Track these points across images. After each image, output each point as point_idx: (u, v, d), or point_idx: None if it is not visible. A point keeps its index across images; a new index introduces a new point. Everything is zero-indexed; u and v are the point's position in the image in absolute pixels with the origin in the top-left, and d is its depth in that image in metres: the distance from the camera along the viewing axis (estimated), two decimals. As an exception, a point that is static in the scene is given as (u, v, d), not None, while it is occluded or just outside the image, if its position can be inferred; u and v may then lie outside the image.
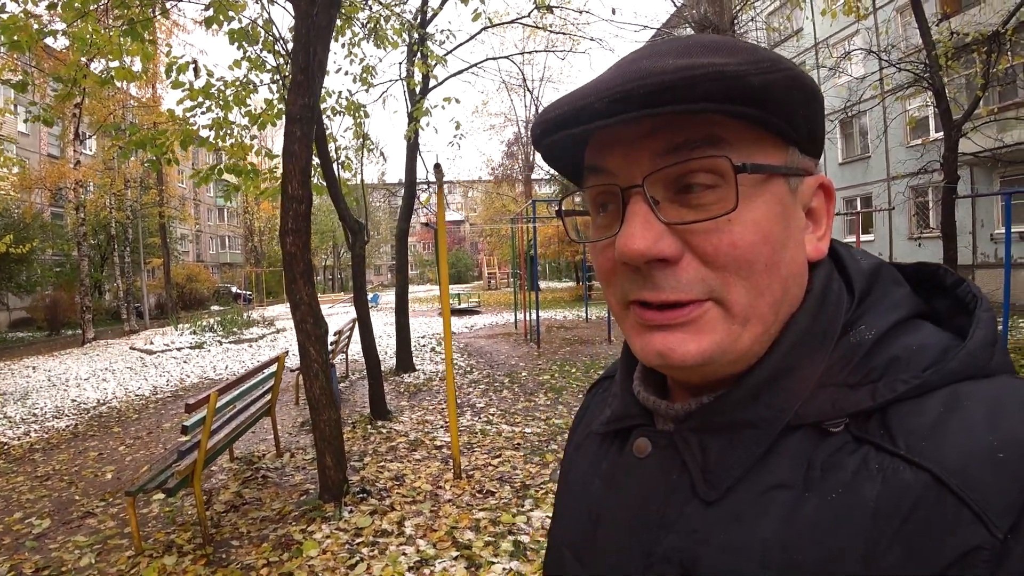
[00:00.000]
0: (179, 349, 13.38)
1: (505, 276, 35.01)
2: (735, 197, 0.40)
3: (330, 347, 7.71)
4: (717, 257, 0.41)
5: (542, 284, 34.15)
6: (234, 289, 34.51)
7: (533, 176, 34.82)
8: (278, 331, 16.83)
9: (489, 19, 6.75)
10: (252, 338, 15.09)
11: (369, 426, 6.17)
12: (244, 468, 5.10)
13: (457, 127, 7.59)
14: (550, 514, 3.82)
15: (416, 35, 7.15)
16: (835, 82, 19.52)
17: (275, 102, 5.80)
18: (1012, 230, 14.46)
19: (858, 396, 0.41)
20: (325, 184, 5.81)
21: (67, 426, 7.31)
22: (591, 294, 20.32)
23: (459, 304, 21.64)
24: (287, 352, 6.00)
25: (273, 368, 5.34)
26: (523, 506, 3.99)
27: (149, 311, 21.56)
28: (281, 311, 24.67)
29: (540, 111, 0.48)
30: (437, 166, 3.96)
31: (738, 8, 10.56)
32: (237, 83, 5.52)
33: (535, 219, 12.26)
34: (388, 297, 31.89)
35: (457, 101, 6.31)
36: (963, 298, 0.47)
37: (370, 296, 27.42)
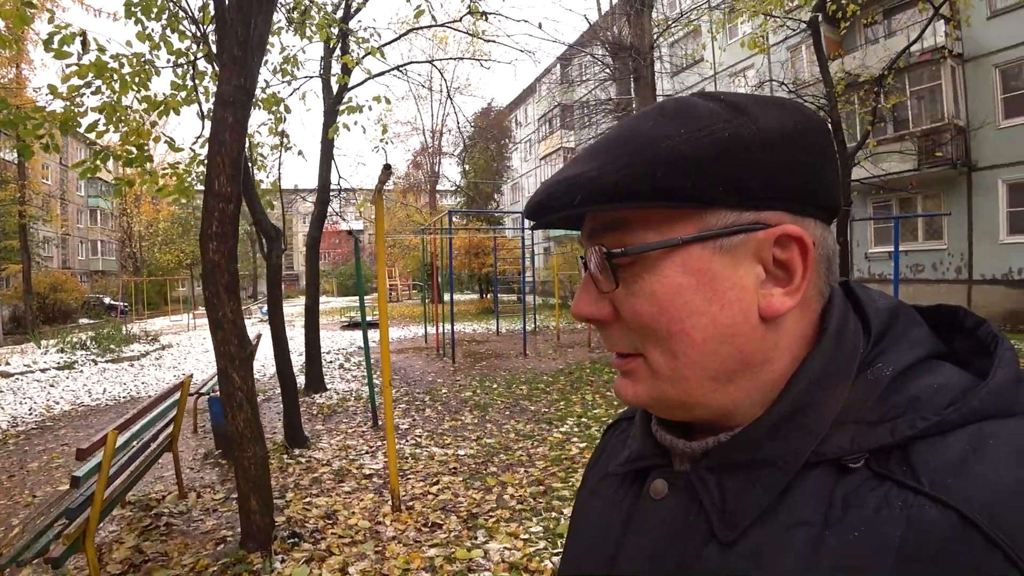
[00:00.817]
0: (43, 370, 11.70)
1: (407, 288, 34.23)
2: (613, 280, 0.46)
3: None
4: (631, 323, 0.46)
5: (446, 296, 33.58)
6: (107, 300, 31.05)
7: (438, 187, 34.45)
8: (163, 347, 15.24)
9: (434, 17, 6.43)
10: (133, 356, 13.54)
11: (285, 455, 5.59)
12: (140, 515, 4.35)
13: (384, 131, 7.17)
14: (507, 545, 3.57)
15: (337, 29, 6.69)
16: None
17: (183, 85, 5.10)
18: (887, 249, 16.17)
19: (878, 432, 0.41)
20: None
21: (-100, 469, 6.03)
22: (500, 307, 20.18)
23: (354, 318, 20.73)
24: (191, 376, 5.29)
25: (176, 396, 4.67)
26: (476, 538, 3.70)
27: (3, 325, 18.85)
28: (164, 325, 22.53)
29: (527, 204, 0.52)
30: (387, 167, 3.59)
31: (657, 35, 10.95)
32: (135, 61, 4.79)
33: (451, 229, 11.95)
34: (288, 309, 30.17)
35: (387, 101, 5.91)
36: (984, 339, 0.46)
37: (263, 308, 25.68)
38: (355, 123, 6.61)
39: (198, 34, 5.07)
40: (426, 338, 14.69)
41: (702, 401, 0.45)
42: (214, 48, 5.03)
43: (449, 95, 8.83)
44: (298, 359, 12.12)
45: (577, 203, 0.45)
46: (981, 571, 0.34)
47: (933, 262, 15.48)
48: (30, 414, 8.47)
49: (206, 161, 3.18)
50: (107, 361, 12.78)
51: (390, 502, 4.25)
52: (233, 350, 3.20)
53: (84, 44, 4.74)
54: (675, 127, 0.43)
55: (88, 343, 13.68)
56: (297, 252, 56.76)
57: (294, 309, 31.52)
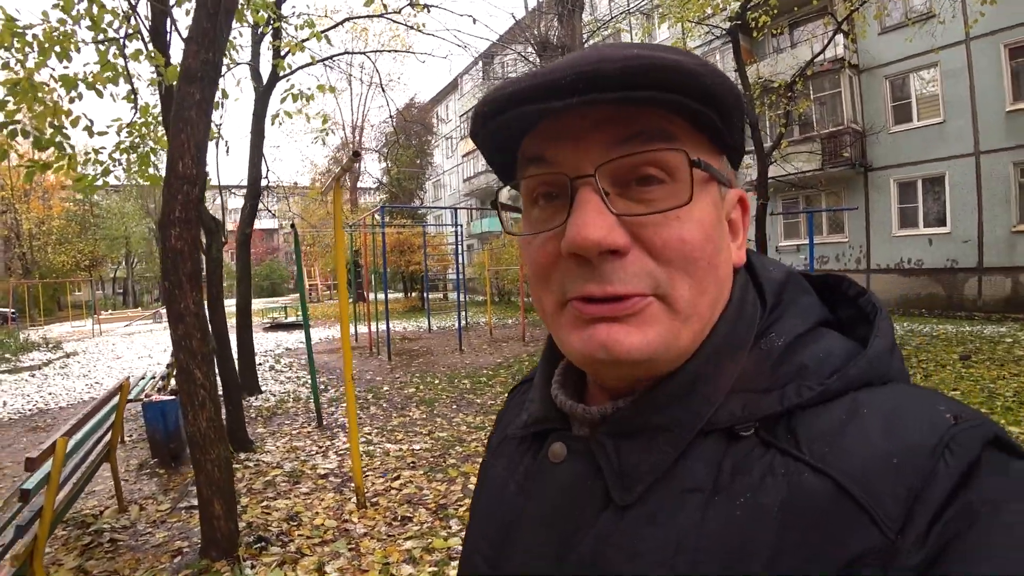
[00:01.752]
0: (-75, 383, 10.50)
1: (327, 287, 33.22)
2: (690, 191, 0.41)
3: (163, 372, 6.58)
4: (665, 251, 0.41)
5: (370, 295, 32.85)
6: (-8, 306, 28.05)
7: (359, 184, 33.62)
8: (68, 355, 14.00)
9: (384, 5, 6.24)
10: (34, 365, 12.38)
11: (232, 460, 5.32)
12: (77, 533, 4.00)
13: (324, 121, 6.92)
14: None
15: (270, 14, 6.41)
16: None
17: (110, 63, 4.69)
18: (795, 243, 17.40)
19: (767, 401, 0.42)
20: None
21: None
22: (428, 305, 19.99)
23: (285, 318, 19.97)
24: (129, 379, 4.93)
25: (115, 401, 4.35)
26: (451, 528, 3.70)
27: None
28: (65, 331, 20.70)
29: (491, 90, 0.44)
30: (356, 153, 3.49)
31: (587, 36, 11.20)
32: (52, 32, 4.36)
33: (383, 224, 11.73)
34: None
35: (332, 89, 5.72)
36: (864, 308, 0.49)
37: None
38: (299, 111, 6.31)
39: (126, 9, 4.71)
40: (356, 337, 14.35)
41: (689, 347, 0.44)
42: (145, 25, 4.71)
43: (382, 87, 8.65)
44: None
45: (665, 89, 0.40)
46: (849, 532, 0.36)
47: (836, 254, 16.84)
48: (-83, 432, 7.59)
49: (167, 141, 2.97)
50: (4, 372, 11.62)
51: (355, 500, 4.17)
52: (195, 344, 3.03)
53: None
54: (703, 61, 0.42)
55: (-22, 353, 12.39)
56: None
57: (209, 311, 29.97)
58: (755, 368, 0.44)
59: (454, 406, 7.22)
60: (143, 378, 7.55)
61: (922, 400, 0.41)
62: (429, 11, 6.45)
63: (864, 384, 0.42)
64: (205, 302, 4.27)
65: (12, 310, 27.78)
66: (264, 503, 4.28)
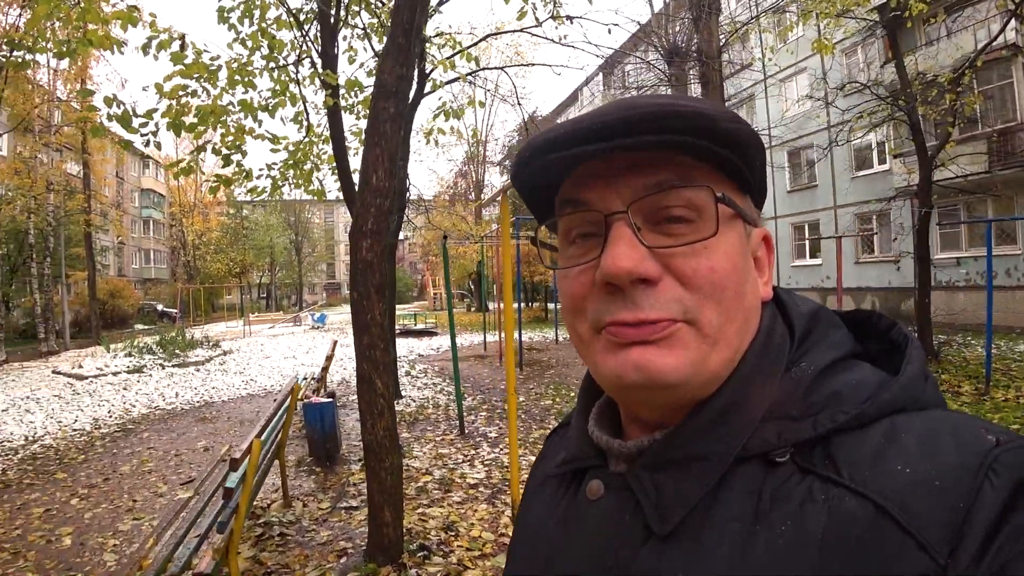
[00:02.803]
0: (115, 374, 12.00)
1: (438, 296, 34.19)
2: (715, 223, 0.44)
3: (318, 375, 6.97)
4: (695, 279, 0.44)
5: (491, 305, 33.69)
6: (160, 307, 31.90)
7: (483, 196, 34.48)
8: (225, 353, 15.50)
9: (537, 17, 6.33)
10: (199, 361, 13.79)
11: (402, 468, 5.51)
12: (249, 524, 4.28)
13: (474, 135, 7.09)
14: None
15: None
16: (783, 111, 20.54)
17: (283, 85, 5.08)
18: (954, 255, 15.53)
19: (801, 427, 0.43)
20: (339, 184, 5.14)
21: (-8, 472, 6.08)
22: (544, 315, 19.99)
23: (415, 325, 20.80)
24: (298, 382, 5.27)
25: (287, 403, 4.64)
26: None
27: (68, 330, 19.48)
28: (219, 331, 22.96)
29: (532, 137, 0.49)
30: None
31: (724, 40, 10.72)
32: (237, 63, 4.78)
33: (517, 236, 11.85)
34: (334, 317, 30.50)
35: (482, 104, 5.83)
36: (896, 340, 0.49)
37: (316, 316, 26.05)
38: (451, 128, 6.50)
39: (299, 36, 5.06)
40: (485, 346, 14.61)
41: (720, 372, 0.45)
42: (316, 49, 5.02)
43: (518, 100, 8.70)
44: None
45: (684, 133, 0.43)
46: (896, 558, 0.35)
47: (1007, 268, 14.79)
48: (110, 416, 8.65)
49: (362, 154, 3.10)
50: (174, 366, 13.05)
51: (509, 513, 4.13)
52: (379, 355, 3.12)
53: (182, 47, 4.76)
54: (722, 108, 0.45)
55: (154, 348, 13.99)
56: (339, 261, 57.69)
57: (340, 317, 32.02)
58: (787, 396, 0.45)
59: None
60: (296, 379, 8.12)
61: (962, 423, 0.41)
62: (572, 22, 6.42)
63: (899, 409, 0.42)
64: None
65: (177, 311, 31.45)
66: (419, 510, 4.35)
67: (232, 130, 5.21)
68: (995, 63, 14.38)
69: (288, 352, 15.47)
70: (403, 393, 8.96)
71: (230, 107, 4.87)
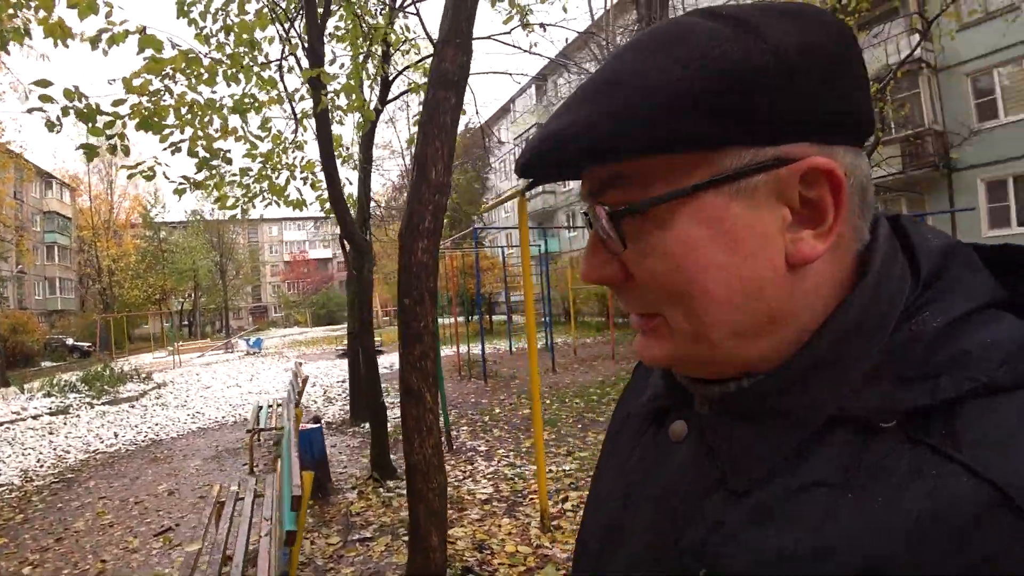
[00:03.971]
0: (35, 417, 10.83)
1: (387, 315, 33.51)
2: (620, 242, 0.42)
3: (292, 399, 6.57)
4: (644, 284, 0.43)
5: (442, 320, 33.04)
6: (69, 341, 29.23)
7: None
8: (159, 386, 14.36)
9: (527, 22, 6.21)
10: (132, 396, 12.70)
11: (382, 489, 5.22)
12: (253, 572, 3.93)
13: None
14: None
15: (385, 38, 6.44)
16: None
17: (275, 81, 4.71)
18: None
19: (915, 392, 0.37)
20: (327, 190, 4.82)
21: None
22: (489, 327, 19.81)
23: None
24: (261, 407, 4.90)
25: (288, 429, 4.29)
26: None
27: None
28: (146, 362, 21.29)
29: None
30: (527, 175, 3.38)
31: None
32: (224, 54, 4.39)
33: (475, 248, 11.69)
34: (269, 341, 29.01)
35: (464, 112, 5.64)
36: None
37: (251, 341, 24.67)
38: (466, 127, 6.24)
39: (283, 30, 4.74)
40: (441, 360, 14.32)
41: (726, 358, 0.42)
42: (303, 43, 4.71)
43: (476, 110, 8.61)
44: (314, 390, 11.67)
45: (568, 161, 0.41)
46: (1010, 552, 0.31)
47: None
48: (41, 466, 7.75)
49: (416, 148, 2.88)
50: (104, 403, 11.95)
51: (535, 523, 3.99)
52: (429, 366, 2.91)
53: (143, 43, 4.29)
54: (669, 58, 0.38)
55: (78, 386, 12.79)
56: (265, 283, 55.03)
57: (274, 341, 30.52)
58: (901, 352, 0.39)
59: (579, 425, 7.00)
60: (260, 408, 7.60)
61: None
62: (546, 30, 6.40)
63: None
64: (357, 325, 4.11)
65: (88, 344, 28.98)
66: (442, 532, 4.13)
67: (212, 131, 4.78)
68: (904, 75, 15.75)
69: (229, 380, 14.55)
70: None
71: (216, 104, 4.46)
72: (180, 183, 4.90)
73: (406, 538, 4.06)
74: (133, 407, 11.60)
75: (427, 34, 5.46)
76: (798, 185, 0.40)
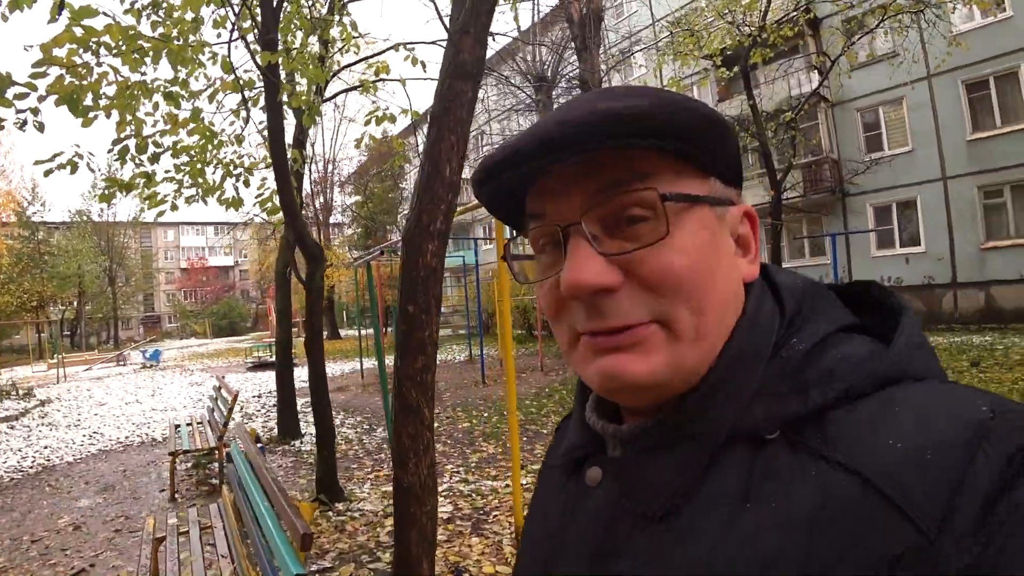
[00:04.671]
0: None
1: (297, 325, 31.99)
2: (666, 225, 0.43)
3: (220, 418, 6.05)
4: (654, 281, 0.43)
5: (343, 332, 31.98)
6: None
7: (332, 220, 32.91)
8: (42, 403, 12.79)
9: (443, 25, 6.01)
10: (10, 415, 11.19)
11: (331, 512, 4.86)
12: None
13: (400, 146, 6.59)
14: None
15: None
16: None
17: (230, 65, 4.24)
18: (816, 264, 17.98)
19: (791, 403, 0.43)
20: (278, 190, 4.45)
21: None
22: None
23: (271, 357, 18.91)
24: (178, 425, 4.45)
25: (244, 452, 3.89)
26: None
27: None
28: (21, 376, 18.92)
29: (481, 159, 0.49)
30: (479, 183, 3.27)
31: (606, 71, 11.36)
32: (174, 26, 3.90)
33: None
34: (168, 352, 26.76)
35: (416, 114, 5.40)
36: (893, 309, 0.49)
37: (148, 352, 22.60)
38: (384, 134, 5.96)
39: (231, 13, 4.33)
40: (362, 373, 13.75)
41: (699, 367, 0.45)
42: (256, 26, 4.33)
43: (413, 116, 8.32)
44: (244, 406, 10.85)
45: (618, 136, 0.43)
46: (883, 532, 0.35)
47: (819, 275, 17.47)
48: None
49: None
50: (-24, 425, 10.47)
51: (510, 540, 3.85)
52: (430, 379, 2.71)
53: (61, 6, 3.73)
54: (677, 96, 0.46)
55: (-59, 406, 11.16)
56: (159, 291, 50.73)
57: (171, 353, 28.16)
58: (777, 375, 0.44)
59: (524, 438, 6.90)
60: (178, 427, 6.92)
61: (958, 393, 0.40)
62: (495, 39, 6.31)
63: (893, 381, 0.42)
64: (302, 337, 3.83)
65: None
66: (408, 557, 3.88)
67: (141, 116, 4.26)
68: (805, 107, 17.13)
69: (127, 396, 13.22)
70: (302, 431, 8.04)
71: (148, 87, 3.97)
72: (106, 187, 4.37)
73: (371, 565, 3.81)
74: (13, 427, 10.24)
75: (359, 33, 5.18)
76: (740, 223, 0.50)
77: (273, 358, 17.93)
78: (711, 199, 0.46)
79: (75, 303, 35.56)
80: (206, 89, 4.31)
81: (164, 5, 4.50)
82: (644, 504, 0.45)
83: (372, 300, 5.98)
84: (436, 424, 7.92)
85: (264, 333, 30.97)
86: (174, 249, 53.19)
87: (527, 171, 0.45)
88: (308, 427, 8.48)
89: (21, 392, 13.49)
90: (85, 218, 35.31)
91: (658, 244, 0.43)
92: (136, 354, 23.69)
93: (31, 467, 7.71)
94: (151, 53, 3.87)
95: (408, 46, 5.35)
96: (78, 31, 3.64)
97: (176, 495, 5.75)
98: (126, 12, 4.67)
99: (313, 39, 6.23)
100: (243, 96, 4.43)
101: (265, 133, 4.51)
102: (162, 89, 4.16)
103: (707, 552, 0.40)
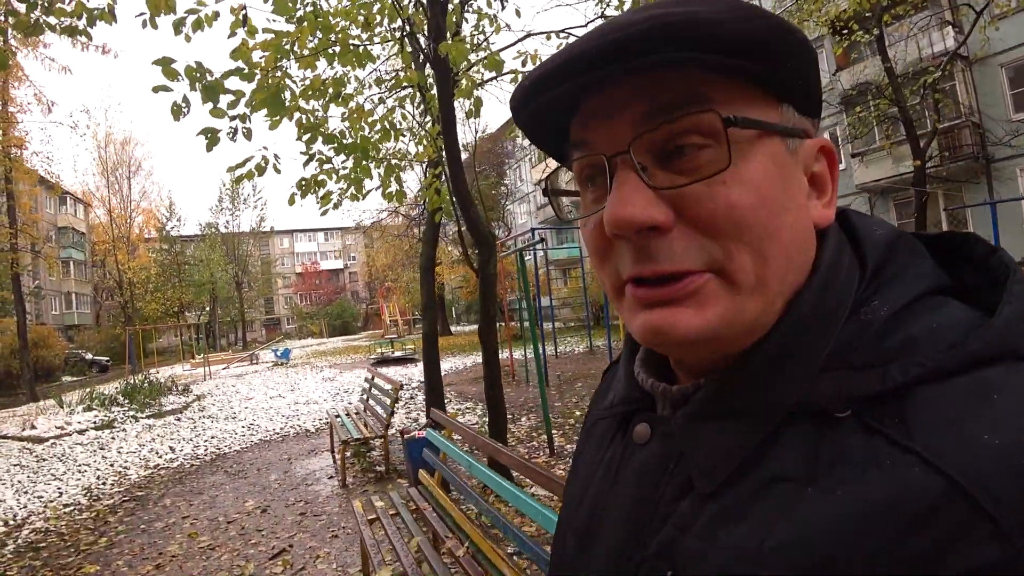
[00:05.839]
0: (81, 431, 10.48)
1: (407, 323, 33.32)
2: (728, 154, 0.38)
3: (389, 404, 6.26)
4: (713, 222, 0.39)
5: (454, 328, 32.97)
6: (88, 356, 28.87)
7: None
8: (198, 398, 14.05)
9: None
10: (175, 409, 12.36)
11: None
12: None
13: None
14: None
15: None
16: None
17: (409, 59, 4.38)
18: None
19: (866, 380, 0.37)
20: (449, 180, 4.52)
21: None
22: (516, 333, 19.50)
23: (392, 352, 19.80)
24: (339, 415, 4.57)
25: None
26: None
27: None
28: (174, 374, 20.91)
29: (522, 78, 0.45)
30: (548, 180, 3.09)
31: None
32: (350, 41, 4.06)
33: (545, 250, 11.34)
34: (295, 351, 28.68)
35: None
36: (995, 270, 0.42)
37: (279, 351, 24.30)
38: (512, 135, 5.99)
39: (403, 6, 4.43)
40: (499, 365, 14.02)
41: (759, 322, 0.40)
42: (426, 14, 4.41)
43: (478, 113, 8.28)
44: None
45: (674, 48, 0.37)
46: (972, 546, 0.30)
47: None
48: (103, 483, 7.42)
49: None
50: (148, 416, 11.62)
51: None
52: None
53: (246, 21, 3.94)
54: (730, 4, 0.39)
55: (119, 399, 12.47)
56: (278, 295, 54.70)
57: (298, 352, 30.17)
58: (853, 342, 0.39)
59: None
60: (338, 416, 7.30)
61: None
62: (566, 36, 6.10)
63: (993, 361, 0.36)
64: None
65: (105, 359, 28.64)
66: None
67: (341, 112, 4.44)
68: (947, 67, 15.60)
69: (270, 391, 14.21)
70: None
71: (322, 86, 4.14)
72: (293, 189, 4.61)
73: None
74: (179, 420, 11.27)
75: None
76: (814, 158, 0.44)
77: (395, 354, 18.90)
78: (783, 128, 0.41)
79: (208, 308, 39.13)
80: (388, 80, 4.42)
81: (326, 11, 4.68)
82: (696, 475, 0.41)
83: (525, 289, 5.97)
84: (578, 412, 7.89)
85: (378, 332, 32.45)
86: (289, 255, 57.39)
87: (569, 89, 0.40)
88: (460, 417, 8.71)
89: (180, 388, 14.86)
90: (213, 230, 38.77)
91: (717, 177, 0.38)
92: (267, 353, 25.55)
93: (205, 455, 8.41)
94: (337, 55, 4.01)
95: (562, 33, 5.25)
96: (264, 36, 3.85)
97: (346, 482, 6.02)
98: (289, 21, 4.90)
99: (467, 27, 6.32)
100: (419, 88, 4.52)
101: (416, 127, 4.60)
102: (351, 79, 4.32)
103: (759, 536, 0.36)
